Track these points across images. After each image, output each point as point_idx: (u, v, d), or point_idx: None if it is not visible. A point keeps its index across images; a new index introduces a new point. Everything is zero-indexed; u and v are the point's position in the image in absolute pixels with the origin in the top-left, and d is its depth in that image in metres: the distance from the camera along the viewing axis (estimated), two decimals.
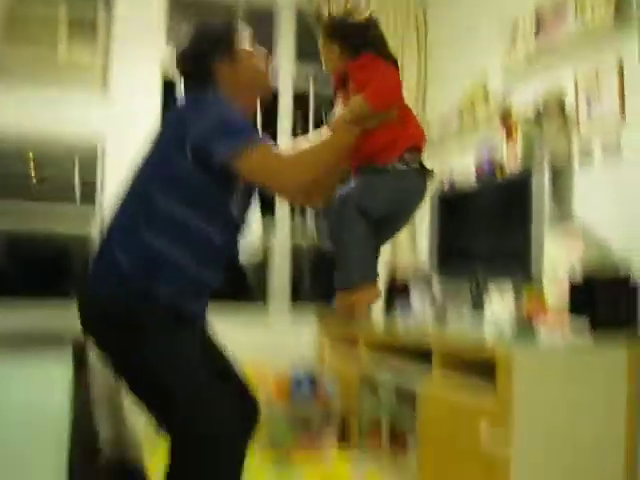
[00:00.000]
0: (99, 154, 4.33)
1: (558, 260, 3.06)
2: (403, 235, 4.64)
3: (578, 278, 2.88)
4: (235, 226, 2.22)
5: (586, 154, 3.26)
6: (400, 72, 2.16)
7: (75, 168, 4.34)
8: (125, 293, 1.99)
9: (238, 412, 2.03)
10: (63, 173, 4.32)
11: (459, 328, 3.61)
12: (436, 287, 4.31)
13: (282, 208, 4.78)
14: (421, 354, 3.52)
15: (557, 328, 2.80)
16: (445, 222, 4.08)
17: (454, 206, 4.02)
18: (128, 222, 2.07)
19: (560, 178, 3.38)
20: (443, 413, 2.98)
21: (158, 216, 2.03)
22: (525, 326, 3.00)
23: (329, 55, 2.17)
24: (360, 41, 2.10)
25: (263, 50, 2.30)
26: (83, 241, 4.40)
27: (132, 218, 2.06)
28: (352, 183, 2.08)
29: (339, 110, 2.13)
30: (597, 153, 3.20)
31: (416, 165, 2.05)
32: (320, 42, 2.18)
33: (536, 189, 3.29)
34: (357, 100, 2.01)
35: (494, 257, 3.66)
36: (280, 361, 4.22)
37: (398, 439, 3.56)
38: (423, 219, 4.49)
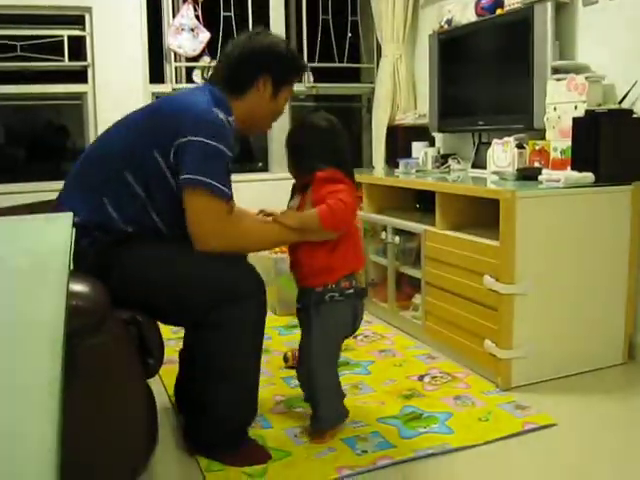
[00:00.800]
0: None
1: (562, 105, 3.01)
2: (402, 82, 4.56)
3: (582, 115, 2.84)
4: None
5: None
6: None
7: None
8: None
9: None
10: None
11: (462, 176, 3.63)
12: (438, 138, 4.29)
13: None
14: (424, 201, 3.55)
15: (560, 174, 2.79)
16: (445, 65, 3.98)
17: (453, 48, 3.90)
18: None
19: (563, 15, 3.27)
20: (447, 254, 3.02)
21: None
22: (528, 173, 2.99)
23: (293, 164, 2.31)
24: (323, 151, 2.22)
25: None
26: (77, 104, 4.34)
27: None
28: (307, 331, 2.28)
29: (292, 210, 2.25)
30: None
31: (351, 291, 2.23)
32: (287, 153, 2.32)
33: (538, 26, 3.19)
34: (311, 214, 2.13)
35: (496, 105, 3.60)
36: None
37: (403, 286, 3.64)
38: (422, 64, 4.41)
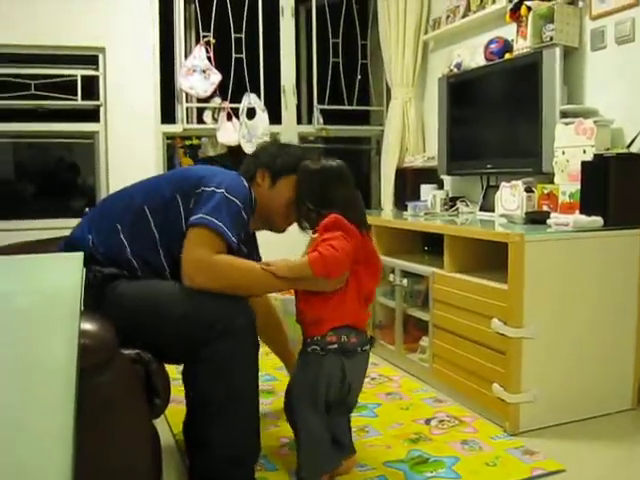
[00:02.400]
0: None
1: (570, 149, 3.02)
2: (412, 124, 4.60)
3: (591, 159, 2.85)
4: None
5: (598, 37, 3.18)
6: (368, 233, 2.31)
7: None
8: None
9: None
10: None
11: (470, 219, 3.63)
12: (446, 181, 4.30)
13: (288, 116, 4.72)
14: (432, 243, 3.56)
15: (569, 218, 2.79)
16: (454, 109, 4.01)
17: (463, 91, 3.94)
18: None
19: (572, 59, 3.30)
20: (455, 297, 3.01)
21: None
22: (537, 217, 3.00)
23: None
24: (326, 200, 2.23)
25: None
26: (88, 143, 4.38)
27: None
28: (294, 375, 2.32)
29: (284, 259, 2.18)
30: (610, 36, 3.13)
31: (334, 346, 2.15)
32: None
33: (547, 70, 3.22)
34: (302, 262, 2.10)
35: (504, 149, 3.62)
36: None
37: (411, 329, 3.62)
38: (431, 107, 4.45)
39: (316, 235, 2.20)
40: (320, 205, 2.22)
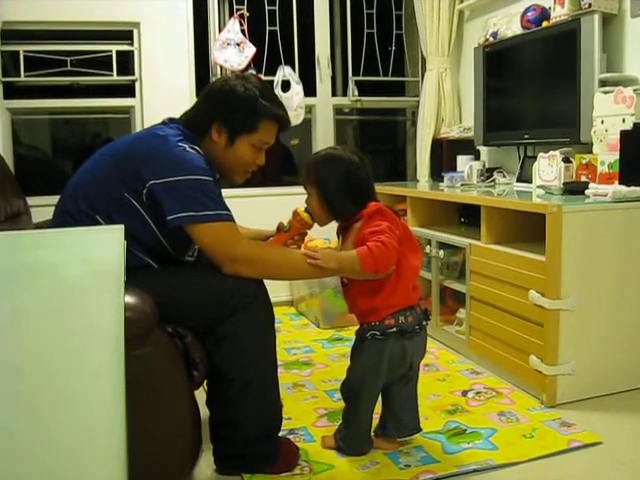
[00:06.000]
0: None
1: (609, 118, 2.97)
2: (447, 95, 4.56)
3: (630, 128, 2.80)
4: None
5: (638, 3, 3.11)
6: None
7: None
8: None
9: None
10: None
11: (507, 190, 3.61)
12: (483, 151, 4.26)
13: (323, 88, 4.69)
14: (469, 215, 3.54)
15: (608, 188, 2.75)
16: (490, 79, 3.96)
17: (499, 61, 3.88)
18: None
19: (611, 26, 3.24)
20: (492, 269, 3.00)
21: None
22: (575, 187, 2.96)
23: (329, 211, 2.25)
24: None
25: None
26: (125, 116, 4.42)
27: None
28: (353, 360, 2.30)
29: (332, 251, 2.21)
30: None
31: (394, 329, 2.17)
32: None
33: (585, 38, 3.16)
34: (352, 257, 2.07)
35: (542, 119, 3.58)
36: None
37: (447, 301, 3.62)
38: (467, 77, 4.41)
39: (359, 223, 2.18)
40: (361, 196, 2.21)
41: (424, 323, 2.28)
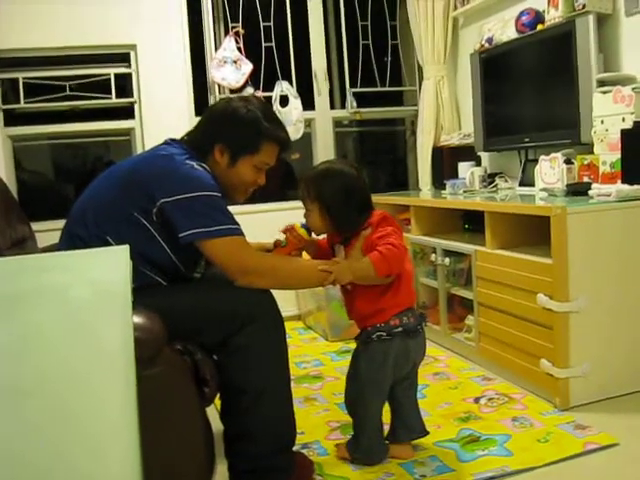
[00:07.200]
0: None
1: (609, 118, 2.97)
2: (446, 103, 4.57)
3: (630, 127, 2.80)
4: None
5: (632, 1, 3.11)
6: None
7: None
8: None
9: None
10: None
11: (510, 194, 3.60)
12: (484, 157, 4.26)
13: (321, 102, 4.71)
14: (472, 221, 3.53)
15: (611, 188, 2.74)
16: (488, 84, 3.97)
17: (496, 66, 3.89)
18: None
19: (606, 26, 3.24)
20: (499, 274, 2.99)
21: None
22: (578, 188, 2.95)
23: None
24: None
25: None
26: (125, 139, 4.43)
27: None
28: (356, 365, 2.32)
29: (345, 262, 2.19)
30: None
31: (399, 329, 2.20)
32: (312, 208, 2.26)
33: (581, 39, 3.17)
34: (365, 265, 2.11)
35: (541, 122, 3.57)
36: None
37: (455, 308, 3.61)
38: (464, 83, 4.41)
39: (367, 231, 2.21)
40: (363, 207, 2.24)
41: (423, 324, 2.32)
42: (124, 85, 4.37)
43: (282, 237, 2.32)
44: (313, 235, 2.34)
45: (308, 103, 4.63)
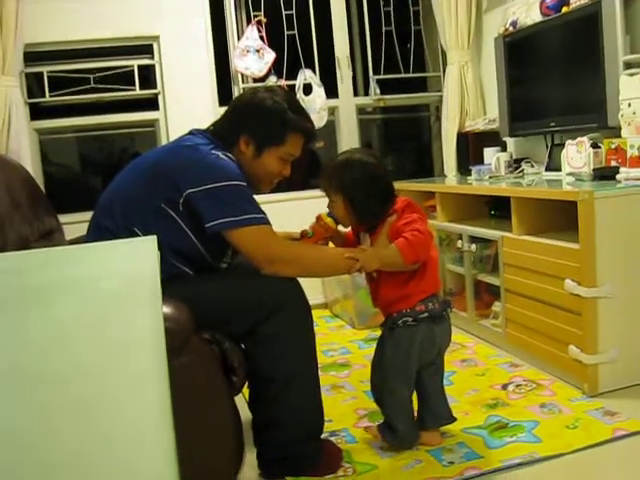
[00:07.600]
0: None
1: (636, 100, 2.92)
2: (470, 88, 4.53)
3: None
4: None
5: None
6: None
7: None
8: None
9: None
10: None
11: (536, 180, 3.57)
12: (509, 142, 4.23)
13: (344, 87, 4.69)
14: (498, 207, 3.51)
15: (639, 172, 2.71)
16: (512, 68, 3.93)
17: (520, 50, 3.85)
18: None
19: (633, 7, 3.19)
20: (526, 260, 2.97)
21: None
22: (605, 173, 2.92)
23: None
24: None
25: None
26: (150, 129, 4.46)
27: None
28: (381, 351, 2.31)
29: (371, 249, 2.18)
30: None
31: (425, 314, 2.20)
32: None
33: (607, 20, 3.12)
34: (392, 252, 2.12)
35: (567, 105, 3.53)
36: None
37: (482, 294, 3.59)
38: (489, 68, 4.37)
39: (393, 218, 2.21)
40: (385, 195, 2.24)
41: (448, 310, 2.32)
42: (148, 76, 4.39)
43: (308, 228, 2.33)
44: (340, 227, 2.34)
45: (331, 91, 4.62)
